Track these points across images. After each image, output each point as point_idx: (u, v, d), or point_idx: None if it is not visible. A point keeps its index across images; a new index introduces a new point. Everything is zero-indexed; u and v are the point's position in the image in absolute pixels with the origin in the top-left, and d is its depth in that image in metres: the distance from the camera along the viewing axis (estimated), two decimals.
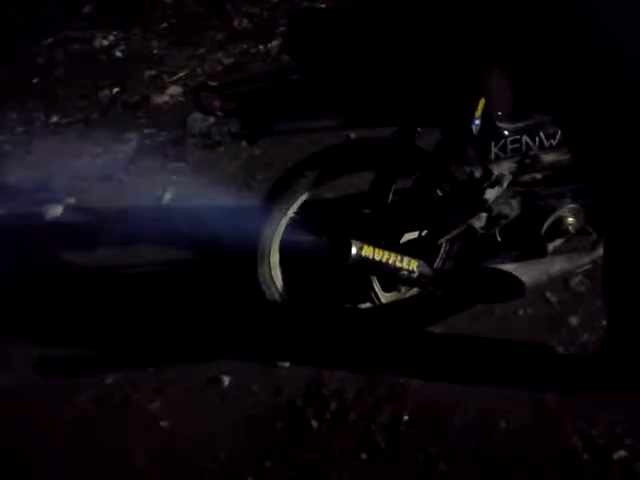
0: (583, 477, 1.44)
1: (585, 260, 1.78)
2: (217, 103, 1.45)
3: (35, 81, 3.48)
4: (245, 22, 3.96)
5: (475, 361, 1.73)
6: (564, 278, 1.87)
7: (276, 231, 1.62)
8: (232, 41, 3.74)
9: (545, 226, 1.70)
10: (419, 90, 1.54)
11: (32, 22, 4.00)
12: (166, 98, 3.22)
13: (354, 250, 1.51)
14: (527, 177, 1.67)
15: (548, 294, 1.89)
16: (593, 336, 1.74)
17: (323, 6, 3.67)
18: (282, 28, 3.82)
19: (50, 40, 3.85)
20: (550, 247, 1.75)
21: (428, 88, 1.53)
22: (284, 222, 1.62)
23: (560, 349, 1.74)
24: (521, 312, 1.85)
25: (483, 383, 1.66)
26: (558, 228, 1.71)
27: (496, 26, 1.36)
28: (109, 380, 1.78)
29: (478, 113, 1.54)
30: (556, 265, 1.76)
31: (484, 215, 1.67)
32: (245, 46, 3.66)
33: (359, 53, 1.47)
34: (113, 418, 1.70)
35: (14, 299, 2.04)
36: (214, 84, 1.50)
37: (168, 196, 2.47)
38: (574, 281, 1.89)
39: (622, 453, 1.46)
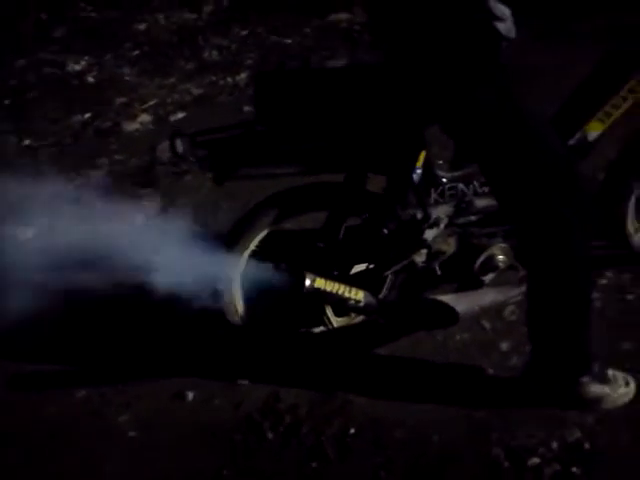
0: None
1: (515, 293, 1.99)
2: (189, 147, 1.64)
3: (7, 102, 3.60)
4: (214, 54, 4.14)
5: (415, 381, 1.93)
6: (498, 308, 2.09)
7: (238, 262, 1.81)
8: (201, 72, 3.91)
9: (478, 262, 1.92)
10: (369, 142, 1.75)
11: (4, 43, 4.11)
12: (137, 126, 3.37)
13: (308, 282, 1.71)
14: (463, 219, 1.89)
15: (483, 322, 2.10)
16: (521, 360, 1.95)
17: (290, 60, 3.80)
18: (249, 61, 4.03)
19: (22, 62, 3.97)
20: (483, 281, 1.97)
21: (377, 141, 1.75)
22: (246, 254, 1.81)
23: (490, 371, 1.95)
24: (458, 337, 2.06)
25: (421, 401, 1.86)
26: (490, 264, 1.93)
27: (435, 94, 1.58)
28: (80, 394, 1.93)
29: (419, 163, 1.76)
30: (488, 297, 1.97)
31: (424, 251, 1.88)
32: (214, 77, 3.83)
33: (316, 110, 1.68)
34: (84, 430, 1.84)
35: None
36: (186, 133, 1.68)
37: (137, 221, 2.62)
38: (507, 311, 2.11)
39: (535, 460, 1.67)
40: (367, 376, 1.95)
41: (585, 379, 1.75)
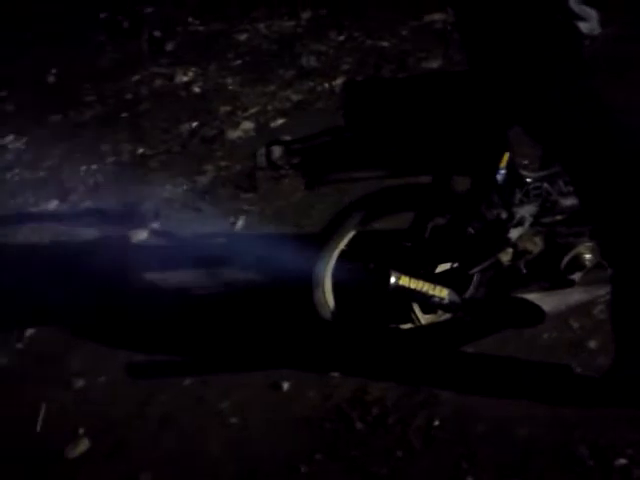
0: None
1: (602, 291, 1.98)
2: (283, 156, 1.77)
3: (124, 115, 3.89)
4: (312, 60, 4.28)
5: (500, 378, 1.97)
6: (586, 307, 2.08)
7: (329, 262, 1.93)
8: (300, 78, 4.06)
9: (565, 261, 1.94)
10: (454, 145, 1.82)
11: (121, 60, 4.44)
12: (240, 133, 3.55)
13: (393, 279, 1.80)
14: (548, 218, 1.91)
15: (571, 321, 2.10)
16: (609, 359, 1.94)
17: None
18: (346, 66, 4.14)
19: (136, 77, 4.27)
20: (570, 280, 1.98)
21: (462, 143, 1.81)
22: (336, 254, 1.92)
23: (578, 370, 1.96)
24: (545, 336, 2.08)
25: (506, 397, 1.90)
26: (576, 263, 1.94)
27: (516, 96, 1.63)
28: (187, 382, 2.11)
29: (503, 164, 1.81)
30: (575, 296, 1.98)
31: (510, 250, 1.92)
32: (312, 84, 3.96)
33: (403, 116, 1.77)
34: (189, 415, 2.02)
35: (103, 310, 2.39)
36: (281, 140, 1.82)
37: (240, 223, 2.80)
38: (596, 310, 2.10)
39: (623, 461, 1.68)
40: (453, 372, 2.01)
41: None
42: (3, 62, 4.32)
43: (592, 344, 2.02)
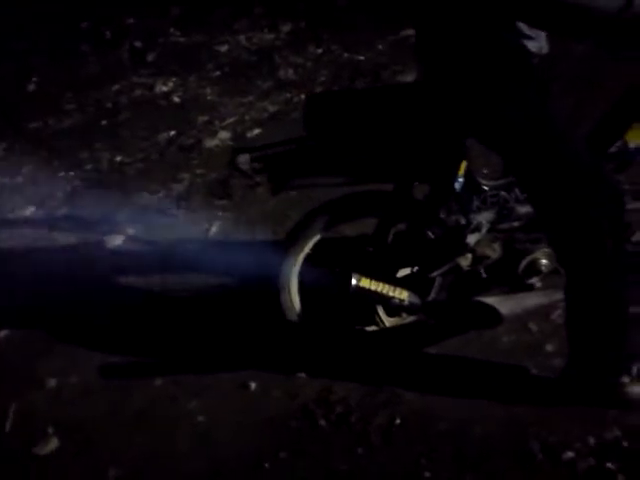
0: (537, 473, 1.74)
1: (560, 296, 2.06)
2: (248, 162, 1.84)
3: (103, 123, 3.95)
4: (290, 72, 4.37)
5: (461, 379, 2.04)
6: (545, 311, 2.17)
7: (295, 265, 2.00)
8: (277, 90, 4.14)
9: (522, 266, 2.02)
10: (414, 154, 1.90)
11: (102, 70, 4.50)
12: (217, 142, 3.62)
13: (354, 281, 1.87)
14: (506, 225, 2.00)
15: (530, 324, 2.19)
16: (564, 361, 2.02)
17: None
18: (323, 78, 4.23)
19: (117, 86, 4.33)
20: (529, 284, 2.06)
21: (421, 152, 1.89)
22: (301, 258, 1.99)
23: (534, 371, 2.03)
24: (505, 339, 2.15)
25: (466, 397, 1.98)
26: (533, 268, 2.03)
27: (469, 109, 1.72)
28: (159, 382, 2.16)
29: (461, 173, 1.89)
30: (532, 299, 2.07)
31: (469, 255, 2.00)
32: (289, 95, 4.05)
33: (363, 126, 1.85)
34: (161, 414, 2.07)
35: (78, 313, 2.44)
36: (247, 147, 1.89)
37: (214, 230, 2.86)
38: (554, 314, 2.18)
39: (570, 454, 1.75)
40: (416, 373, 2.08)
41: (625, 379, 1.81)
42: None
43: (549, 347, 2.10)
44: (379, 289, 1.90)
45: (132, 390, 2.14)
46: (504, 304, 2.02)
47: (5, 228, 2.96)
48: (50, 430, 2.01)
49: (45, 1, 5.08)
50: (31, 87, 4.29)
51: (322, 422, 1.97)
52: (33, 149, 3.56)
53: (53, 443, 1.98)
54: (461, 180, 1.90)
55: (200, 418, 2.04)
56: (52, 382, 2.19)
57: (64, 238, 2.86)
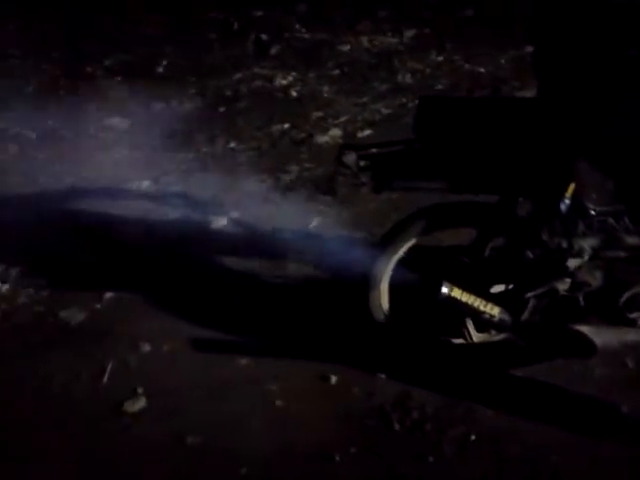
0: None
1: None
2: (355, 159, 1.88)
3: (221, 110, 4.11)
4: (408, 77, 4.38)
5: (545, 405, 1.99)
6: None
7: (387, 266, 2.02)
8: (393, 93, 4.16)
9: (624, 298, 1.95)
10: (522, 169, 1.87)
11: (226, 59, 4.68)
12: (327, 138, 3.69)
13: (445, 289, 1.86)
14: (611, 253, 1.93)
15: (627, 360, 2.10)
16: None
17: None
18: (440, 86, 4.22)
19: (238, 76, 4.49)
20: (630, 318, 1.99)
21: (529, 168, 1.86)
22: (394, 260, 2.01)
23: (625, 409, 1.96)
24: (597, 371, 2.08)
25: (547, 423, 1.93)
26: (636, 302, 1.95)
27: (585, 129, 1.68)
28: (244, 361, 2.24)
29: (568, 194, 1.84)
30: (632, 335, 1.99)
31: (568, 280, 1.95)
32: (404, 99, 4.06)
33: (473, 135, 1.84)
34: (240, 391, 2.14)
35: (176, 285, 2.56)
36: (355, 145, 1.93)
37: (314, 223, 2.92)
38: None
39: None
40: (497, 392, 2.05)
41: None
42: (122, 52, 4.65)
43: None
44: (470, 301, 1.89)
45: (217, 364, 2.23)
46: (600, 335, 1.95)
47: (121, 198, 3.14)
48: (140, 390, 2.13)
49: None
50: (160, 70, 4.53)
51: (397, 425, 1.98)
52: (155, 128, 3.75)
53: (141, 402, 2.10)
54: (568, 202, 1.85)
55: (278, 402, 2.09)
56: (146, 346, 2.31)
57: (173, 214, 3.00)
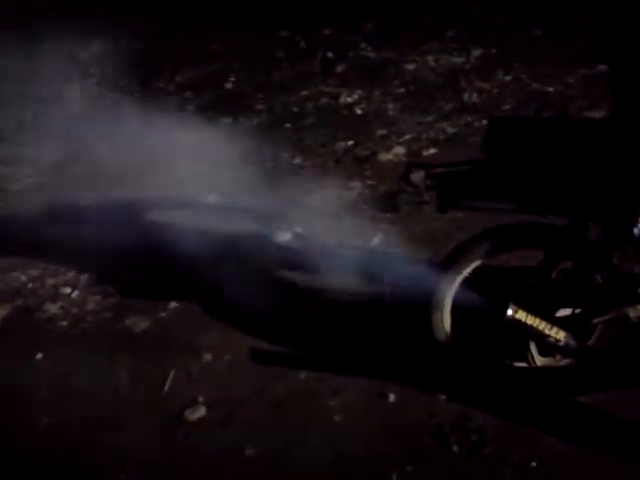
0: None
1: None
2: (422, 178, 1.88)
3: (287, 126, 4.17)
4: (474, 96, 4.35)
5: (612, 437, 1.93)
6: None
7: (451, 287, 2.00)
8: (459, 112, 4.14)
9: None
10: (594, 192, 1.83)
11: (293, 76, 4.76)
12: (391, 156, 3.69)
13: (510, 311, 1.84)
14: None
15: None
16: None
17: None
18: (507, 106, 4.17)
19: (305, 93, 4.55)
20: None
21: (602, 193, 1.82)
22: (459, 280, 1.99)
23: None
24: None
25: (610, 456, 1.87)
26: None
27: None
28: (304, 375, 2.25)
29: None
30: None
31: (639, 307, 1.89)
32: (470, 119, 4.03)
33: (544, 157, 1.81)
34: (299, 405, 2.16)
35: (238, 297, 2.58)
36: (422, 163, 1.93)
37: (376, 240, 2.92)
38: None
39: None
40: (561, 418, 2.00)
41: None
42: (192, 68, 4.78)
43: None
44: (535, 324, 1.85)
45: (277, 377, 2.25)
46: None
47: (188, 211, 3.22)
48: (200, 399, 2.17)
49: (248, 10, 5.48)
50: (228, 86, 4.63)
51: (455, 447, 1.95)
52: (222, 142, 3.83)
53: (201, 411, 2.13)
54: None
55: (336, 417, 2.10)
56: (208, 356, 2.35)
57: (238, 227, 3.05)
